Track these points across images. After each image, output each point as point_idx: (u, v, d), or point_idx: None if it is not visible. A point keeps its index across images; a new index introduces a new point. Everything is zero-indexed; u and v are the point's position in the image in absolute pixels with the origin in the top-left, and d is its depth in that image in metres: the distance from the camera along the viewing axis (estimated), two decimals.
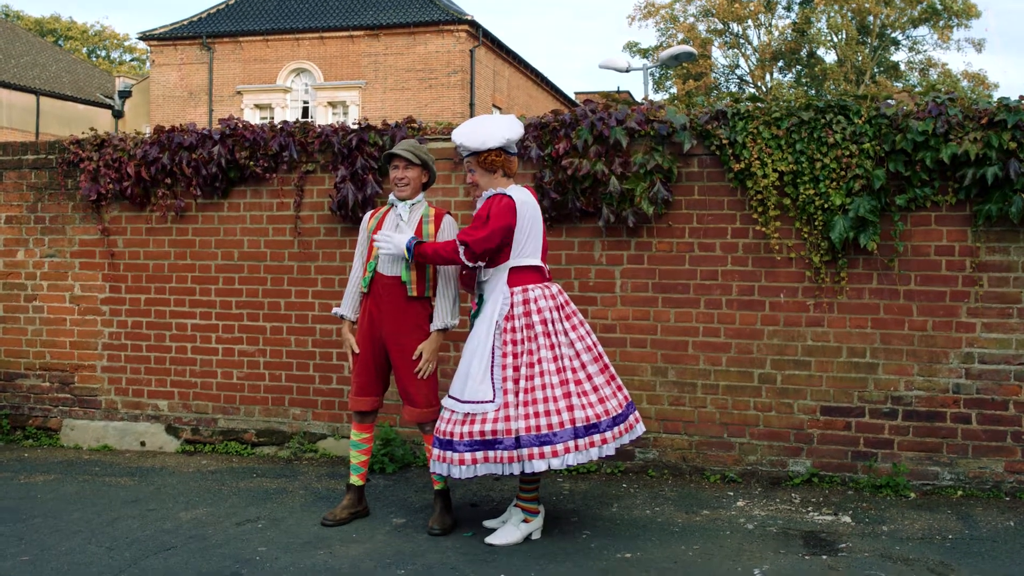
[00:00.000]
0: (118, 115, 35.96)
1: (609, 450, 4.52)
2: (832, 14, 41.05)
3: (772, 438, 5.76)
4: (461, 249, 4.52)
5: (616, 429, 4.54)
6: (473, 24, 28.73)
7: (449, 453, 4.52)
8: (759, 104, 5.64)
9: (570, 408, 4.46)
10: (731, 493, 5.53)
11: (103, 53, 59.03)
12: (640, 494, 5.52)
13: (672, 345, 5.89)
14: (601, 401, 4.54)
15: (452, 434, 4.52)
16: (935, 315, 5.50)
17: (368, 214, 5.12)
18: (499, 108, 30.98)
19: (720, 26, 43.30)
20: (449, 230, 4.93)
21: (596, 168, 5.74)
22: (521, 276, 4.59)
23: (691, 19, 43.41)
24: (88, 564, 4.35)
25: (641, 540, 4.67)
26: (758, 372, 5.77)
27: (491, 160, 4.63)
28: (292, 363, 6.58)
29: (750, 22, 43.14)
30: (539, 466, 4.41)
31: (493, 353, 4.54)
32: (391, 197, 4.96)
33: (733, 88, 44.11)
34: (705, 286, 5.83)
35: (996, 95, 5.44)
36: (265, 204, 6.60)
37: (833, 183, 5.47)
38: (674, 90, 42.75)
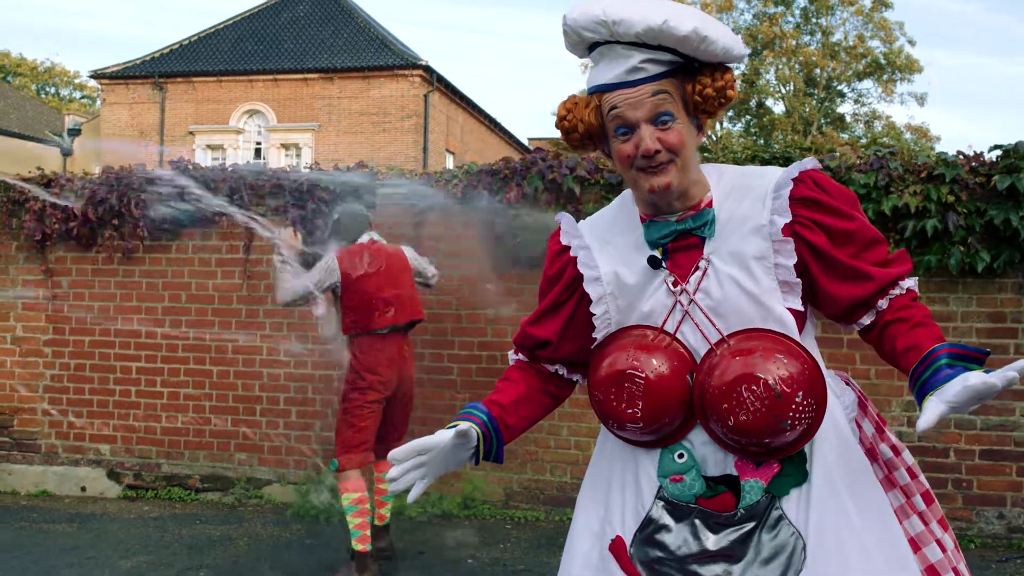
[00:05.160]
0: (67, 153, 35.52)
1: None
2: (780, 66, 42.02)
3: None
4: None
5: None
6: (427, 69, 28.91)
7: None
8: (707, 154, 5.74)
9: None
10: None
11: (52, 90, 58.38)
12: None
13: None
14: None
15: None
16: (878, 363, 5.58)
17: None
18: (452, 153, 31.11)
19: None
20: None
21: (548, 216, 5.78)
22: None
23: None
24: None
25: None
26: None
27: (729, 96, 1.83)
28: (239, 408, 6.49)
29: None
30: None
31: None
32: None
33: None
34: None
35: (938, 147, 5.56)
36: (214, 246, 6.55)
37: None
38: None
